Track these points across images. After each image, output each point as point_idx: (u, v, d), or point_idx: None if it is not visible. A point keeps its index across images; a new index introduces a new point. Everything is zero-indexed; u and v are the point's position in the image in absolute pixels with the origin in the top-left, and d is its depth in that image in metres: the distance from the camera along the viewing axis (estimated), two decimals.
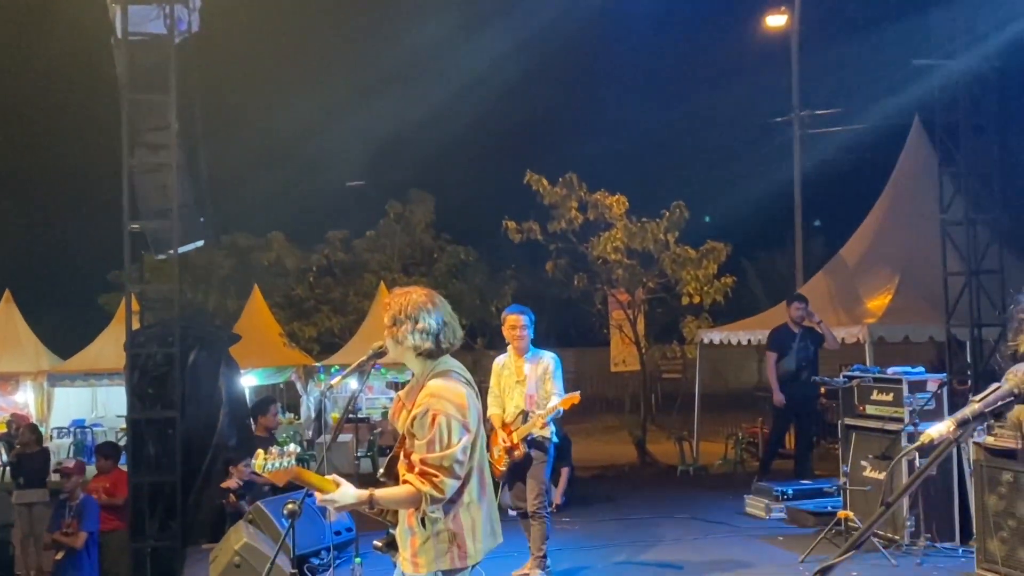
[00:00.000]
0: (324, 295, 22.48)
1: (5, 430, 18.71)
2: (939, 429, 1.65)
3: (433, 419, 3.72)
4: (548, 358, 7.14)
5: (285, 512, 3.98)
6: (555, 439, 7.23)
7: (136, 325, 10.08)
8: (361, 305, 21.12)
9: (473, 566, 3.90)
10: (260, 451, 3.74)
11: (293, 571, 3.98)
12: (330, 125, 24.27)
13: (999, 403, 1.66)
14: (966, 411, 1.64)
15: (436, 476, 3.66)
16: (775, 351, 10.81)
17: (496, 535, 3.99)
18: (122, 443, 15.09)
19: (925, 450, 1.84)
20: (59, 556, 9.32)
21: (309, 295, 22.54)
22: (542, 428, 6.99)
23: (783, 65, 17.11)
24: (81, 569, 9.28)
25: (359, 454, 15.70)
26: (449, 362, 3.92)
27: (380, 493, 3.78)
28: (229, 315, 20.83)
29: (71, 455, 18.42)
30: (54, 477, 11.91)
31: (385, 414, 18.03)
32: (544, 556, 7.02)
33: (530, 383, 7.06)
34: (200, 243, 10.47)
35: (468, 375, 3.98)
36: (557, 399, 6.94)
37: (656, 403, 20.51)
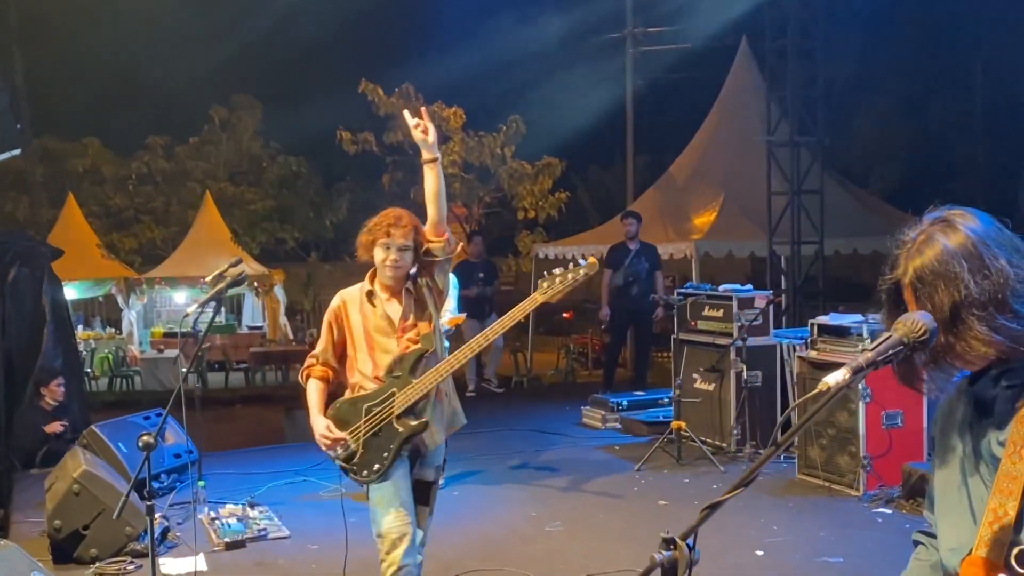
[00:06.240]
0: (145, 204, 21.43)
1: None
2: (835, 377, 1.75)
3: None
4: None
5: (140, 444, 3.85)
6: None
7: None
8: (185, 215, 20.25)
9: None
10: None
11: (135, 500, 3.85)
12: (150, 26, 22.82)
13: (890, 352, 1.76)
14: (860, 359, 1.74)
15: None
16: (609, 267, 11.11)
17: None
18: None
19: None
20: None
21: (129, 204, 21.43)
22: None
23: None
24: None
25: (185, 369, 15.22)
26: None
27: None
28: (42, 225, 19.61)
29: None
30: None
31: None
32: None
33: None
34: (17, 152, 9.71)
35: None
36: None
37: None
